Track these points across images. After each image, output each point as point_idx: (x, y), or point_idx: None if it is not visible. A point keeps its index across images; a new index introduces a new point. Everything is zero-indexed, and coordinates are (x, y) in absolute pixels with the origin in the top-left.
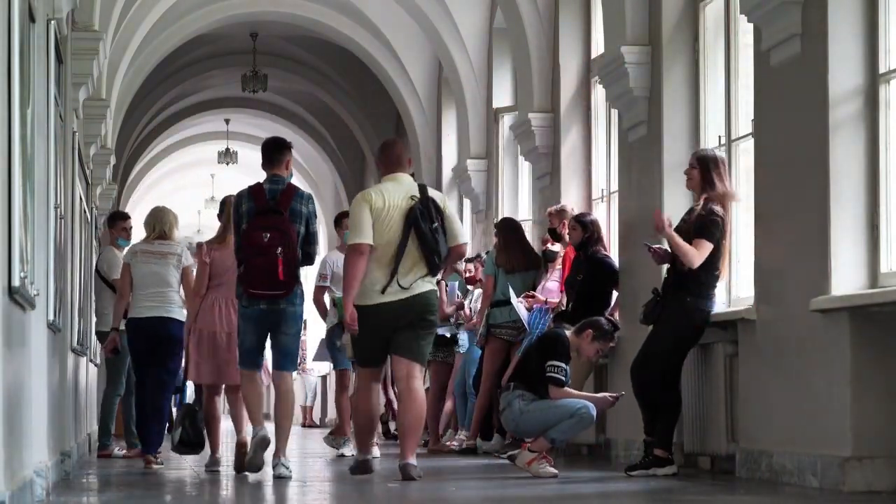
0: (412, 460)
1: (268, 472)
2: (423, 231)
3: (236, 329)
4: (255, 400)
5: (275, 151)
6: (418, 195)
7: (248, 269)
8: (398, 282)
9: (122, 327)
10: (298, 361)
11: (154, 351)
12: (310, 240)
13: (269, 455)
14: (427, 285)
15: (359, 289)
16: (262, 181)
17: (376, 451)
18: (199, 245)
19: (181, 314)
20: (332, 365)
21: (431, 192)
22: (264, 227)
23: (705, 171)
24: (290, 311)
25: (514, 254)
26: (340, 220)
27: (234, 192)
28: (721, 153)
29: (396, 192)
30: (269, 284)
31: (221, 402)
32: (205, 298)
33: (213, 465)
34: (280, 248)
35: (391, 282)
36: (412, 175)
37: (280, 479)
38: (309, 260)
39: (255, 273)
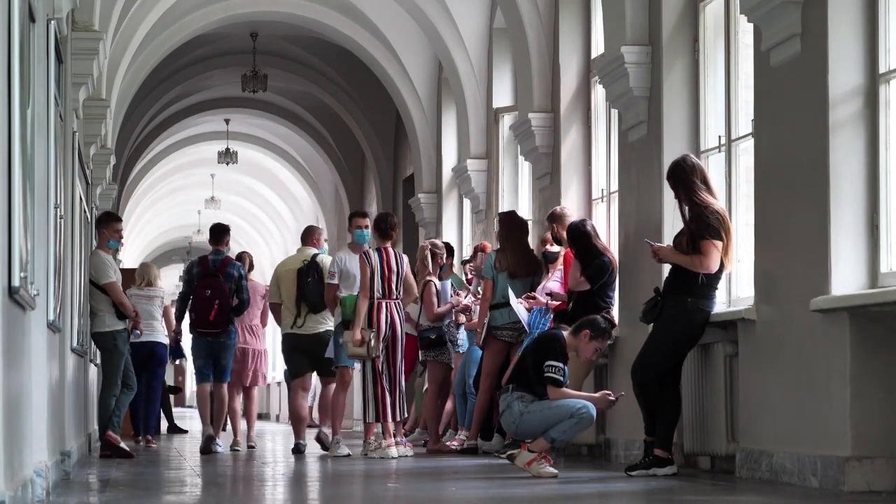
0: (303, 440)
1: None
2: (301, 284)
3: (251, 346)
4: (204, 403)
5: (220, 234)
6: (308, 260)
7: (196, 315)
8: (296, 322)
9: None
10: None
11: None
12: (240, 288)
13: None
14: (319, 327)
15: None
16: (209, 254)
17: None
18: None
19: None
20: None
21: (318, 258)
22: (206, 287)
23: (686, 183)
24: (227, 344)
25: (515, 257)
26: (352, 220)
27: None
28: (695, 159)
29: (297, 258)
30: (207, 325)
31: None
32: None
33: (234, 445)
34: (217, 300)
35: (294, 321)
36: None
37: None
38: (241, 303)
39: (200, 316)
